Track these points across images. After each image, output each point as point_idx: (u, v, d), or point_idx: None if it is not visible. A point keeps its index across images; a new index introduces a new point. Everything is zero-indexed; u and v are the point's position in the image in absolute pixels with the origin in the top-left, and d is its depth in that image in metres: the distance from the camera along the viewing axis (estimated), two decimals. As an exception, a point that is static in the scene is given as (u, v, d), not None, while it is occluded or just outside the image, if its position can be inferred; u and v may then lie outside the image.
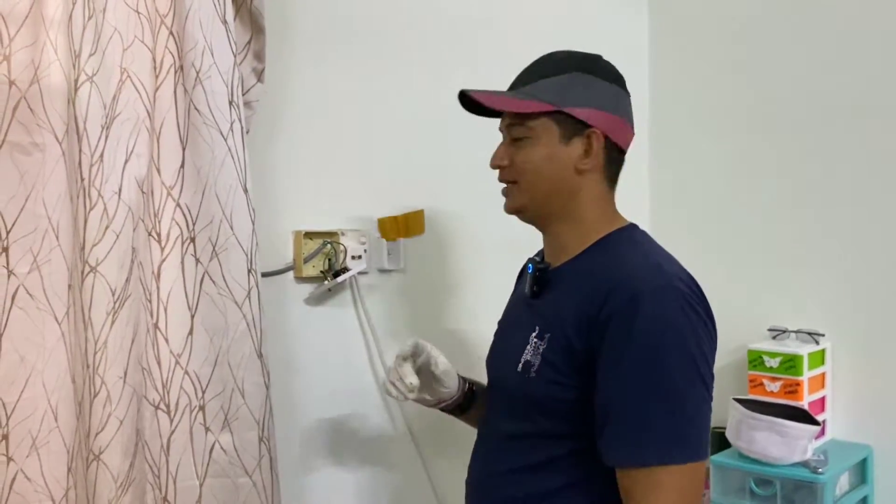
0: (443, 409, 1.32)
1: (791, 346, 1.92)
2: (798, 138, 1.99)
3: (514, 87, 1.16)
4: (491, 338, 1.73)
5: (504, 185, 1.17)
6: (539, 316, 1.14)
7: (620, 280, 1.03)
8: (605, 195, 1.15)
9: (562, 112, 1.10)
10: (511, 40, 1.82)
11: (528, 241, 1.82)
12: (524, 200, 1.15)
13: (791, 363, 1.88)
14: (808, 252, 1.98)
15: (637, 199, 2.18)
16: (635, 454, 0.99)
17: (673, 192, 2.22)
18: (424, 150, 1.72)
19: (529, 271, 1.19)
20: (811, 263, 1.98)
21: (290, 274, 1.53)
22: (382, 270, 1.65)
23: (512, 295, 1.33)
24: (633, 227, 1.15)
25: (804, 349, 1.88)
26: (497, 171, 1.18)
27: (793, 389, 1.87)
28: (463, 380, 1.31)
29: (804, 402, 1.86)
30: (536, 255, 1.25)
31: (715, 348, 1.06)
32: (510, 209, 1.18)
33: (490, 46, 1.82)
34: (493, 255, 1.80)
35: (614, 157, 1.14)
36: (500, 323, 1.30)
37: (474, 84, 1.18)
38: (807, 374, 1.87)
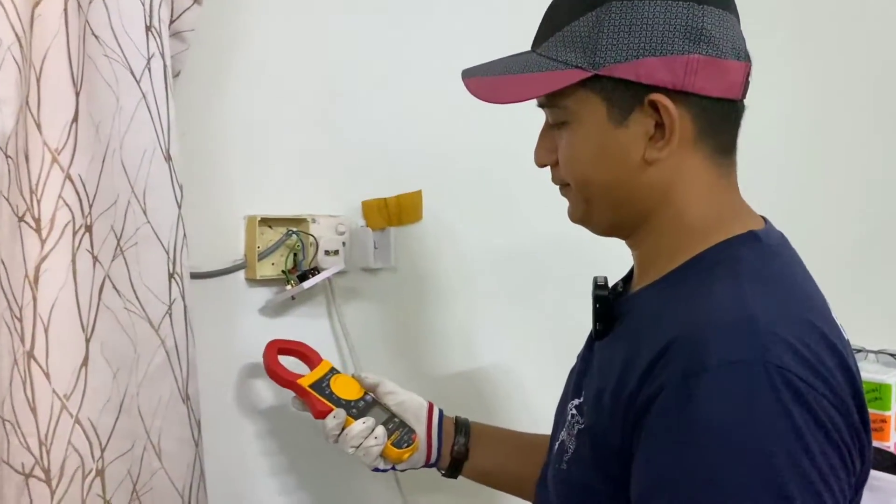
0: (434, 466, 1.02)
1: (873, 372, 1.55)
2: (870, 135, 1.63)
3: (535, 43, 0.78)
4: (507, 362, 1.41)
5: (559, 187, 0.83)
6: (589, 372, 0.78)
7: (679, 338, 0.64)
8: (716, 180, 0.75)
9: (601, 77, 0.71)
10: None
11: (552, 233, 1.42)
12: (584, 210, 0.79)
13: (876, 393, 1.51)
14: (887, 255, 1.63)
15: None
16: None
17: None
18: (424, 115, 1.30)
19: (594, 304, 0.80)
20: (891, 267, 1.62)
21: (240, 274, 1.12)
22: (367, 270, 1.25)
23: None
24: (750, 238, 0.74)
25: (891, 376, 1.52)
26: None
27: (878, 427, 1.50)
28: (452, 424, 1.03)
29: (890, 442, 1.50)
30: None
31: (850, 458, 0.64)
32: (570, 218, 0.83)
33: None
34: (508, 249, 1.40)
35: (715, 115, 0.73)
36: (577, 357, 0.92)
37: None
38: (896, 408, 1.51)
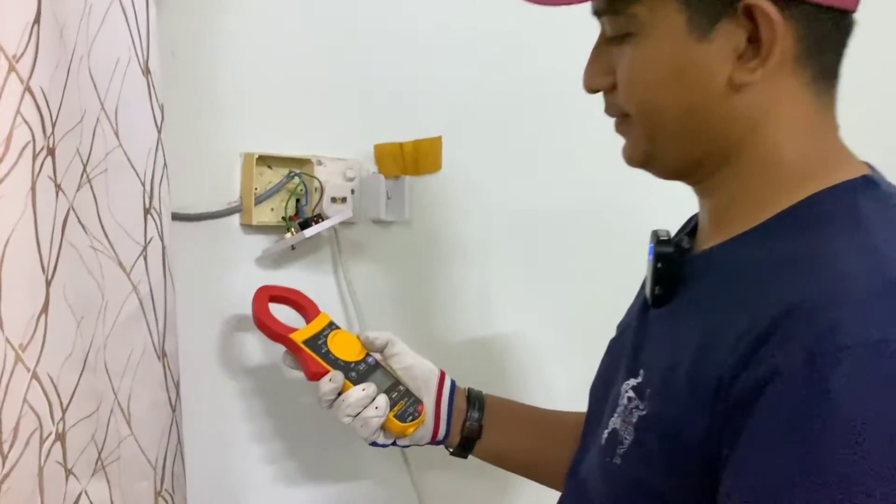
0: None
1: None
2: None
3: None
4: (526, 332, 1.26)
5: (615, 121, 0.67)
6: (648, 347, 0.64)
7: (798, 309, 0.50)
8: (817, 111, 0.60)
9: None
10: None
11: (586, 191, 1.26)
12: (647, 148, 0.64)
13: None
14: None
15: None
16: None
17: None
18: (448, 50, 1.16)
19: (650, 256, 0.66)
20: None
21: (234, 219, 0.99)
22: (377, 222, 1.11)
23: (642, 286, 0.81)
24: (866, 184, 0.59)
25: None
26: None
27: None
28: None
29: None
30: (690, 220, 0.73)
31: None
32: (628, 160, 0.67)
33: None
34: (536, 208, 1.26)
35: (824, 28, 0.58)
36: (617, 327, 0.79)
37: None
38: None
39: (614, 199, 1.27)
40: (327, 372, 0.83)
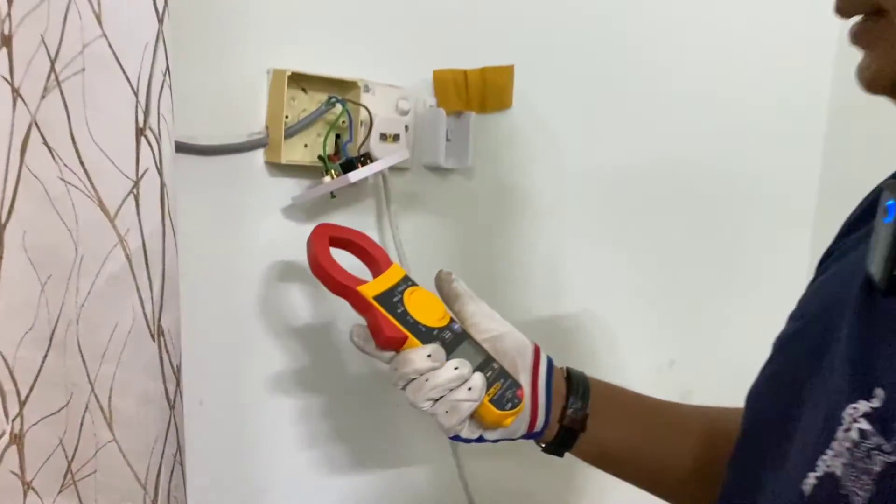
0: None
1: None
2: None
3: None
4: (601, 310, 1.07)
5: (853, 25, 0.46)
6: (887, 353, 0.43)
7: None
8: None
9: None
10: None
11: (687, 145, 1.07)
12: None
13: None
14: None
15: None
16: None
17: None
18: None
19: (888, 218, 0.44)
20: None
21: (258, 155, 0.78)
22: (433, 168, 0.91)
23: (822, 267, 0.59)
24: None
25: None
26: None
27: None
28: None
29: None
30: None
31: None
32: (871, 79, 0.46)
33: None
34: (624, 162, 1.06)
35: None
36: (792, 318, 0.57)
37: None
38: None
39: (713, 157, 1.07)
40: (405, 338, 0.62)
